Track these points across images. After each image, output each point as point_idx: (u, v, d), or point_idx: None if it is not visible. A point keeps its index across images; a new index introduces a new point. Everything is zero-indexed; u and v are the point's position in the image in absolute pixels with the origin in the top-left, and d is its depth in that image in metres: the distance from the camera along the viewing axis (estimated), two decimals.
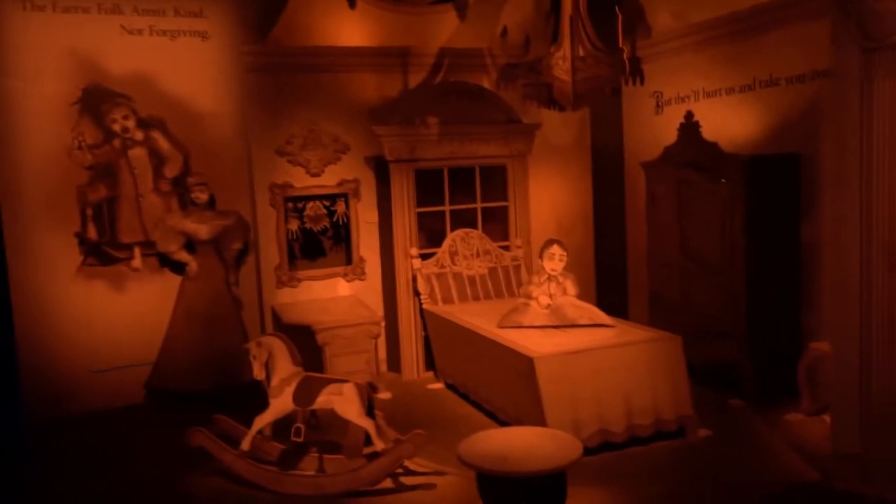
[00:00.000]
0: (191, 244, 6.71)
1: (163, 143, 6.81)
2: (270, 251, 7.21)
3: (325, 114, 7.29)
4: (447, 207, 7.39)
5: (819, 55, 5.82)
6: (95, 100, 6.54)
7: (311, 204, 7.32)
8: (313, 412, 4.77)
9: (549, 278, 5.84)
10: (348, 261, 7.50)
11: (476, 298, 7.09)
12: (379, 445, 4.63)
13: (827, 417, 5.18)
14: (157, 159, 6.79)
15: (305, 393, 4.69)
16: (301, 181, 7.26)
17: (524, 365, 5.00)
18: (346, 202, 7.44)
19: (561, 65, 5.75)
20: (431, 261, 7.10)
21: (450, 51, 7.58)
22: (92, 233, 6.60)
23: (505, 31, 6.22)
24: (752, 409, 5.81)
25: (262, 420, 4.75)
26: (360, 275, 7.50)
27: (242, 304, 6.97)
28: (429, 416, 6.04)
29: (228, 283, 6.88)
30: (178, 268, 6.76)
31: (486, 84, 7.67)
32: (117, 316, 6.64)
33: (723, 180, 6.17)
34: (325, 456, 4.90)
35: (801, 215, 6.15)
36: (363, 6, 7.09)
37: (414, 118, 7.10)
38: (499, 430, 4.57)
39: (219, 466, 4.90)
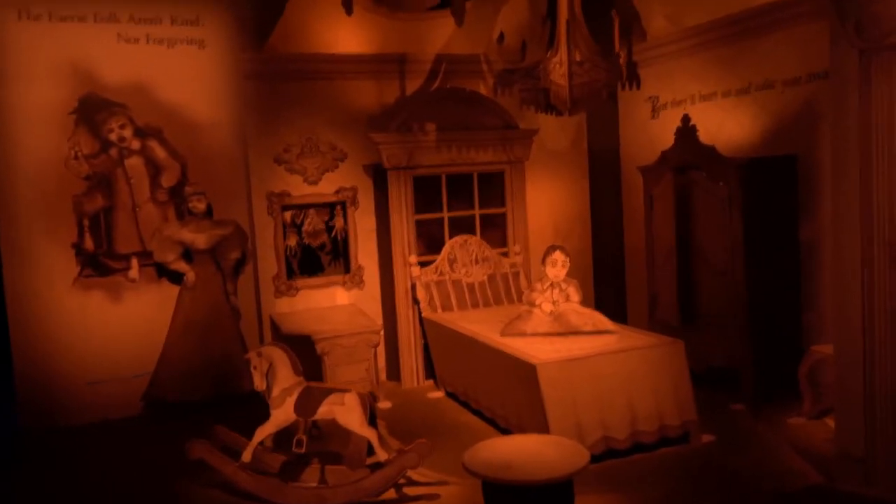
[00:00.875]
0: (188, 254, 6.67)
1: (159, 153, 6.78)
2: (268, 260, 7.19)
3: (322, 121, 7.28)
4: (445, 214, 7.38)
5: (814, 58, 5.87)
6: (92, 109, 6.51)
7: (309, 219, 7.30)
8: (315, 422, 4.73)
9: (552, 285, 5.80)
10: (347, 269, 7.47)
11: (475, 305, 7.07)
12: (382, 455, 4.59)
13: (829, 420, 5.17)
14: (154, 169, 6.76)
15: (307, 403, 4.65)
16: (299, 189, 7.24)
17: (526, 372, 4.98)
18: (345, 212, 7.41)
19: (558, 69, 5.75)
20: (430, 268, 7.08)
21: (447, 57, 7.58)
22: (89, 243, 6.55)
23: (501, 37, 6.18)
24: (755, 413, 5.80)
25: (264, 431, 4.71)
26: (359, 283, 7.48)
27: (240, 313, 6.94)
28: (430, 425, 6.01)
29: (226, 292, 6.84)
30: (176, 278, 6.72)
31: (482, 90, 7.67)
32: (114, 326, 6.59)
33: (720, 183, 6.18)
34: (327, 466, 4.85)
35: (800, 216, 6.17)
36: (360, 13, 7.07)
37: (411, 125, 7.08)
38: (503, 438, 4.54)
39: (219, 478, 4.85)
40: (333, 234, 7.41)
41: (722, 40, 6.72)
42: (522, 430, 5.16)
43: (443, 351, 6.74)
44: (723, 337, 6.23)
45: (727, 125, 6.68)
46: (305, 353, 6.31)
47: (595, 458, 4.73)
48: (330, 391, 4.73)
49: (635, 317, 7.73)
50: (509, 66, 7.12)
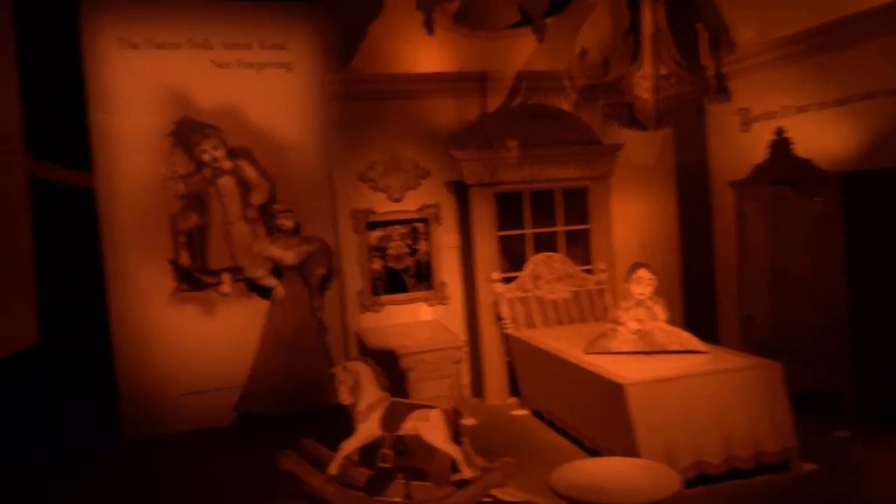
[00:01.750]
0: (277, 270, 6.85)
1: (250, 172, 7.00)
2: (353, 276, 7.31)
3: (405, 140, 7.38)
4: (528, 231, 7.33)
5: None
6: (187, 131, 6.79)
7: (393, 243, 7.38)
8: (400, 438, 4.74)
9: (638, 303, 5.67)
10: (430, 286, 7.51)
11: (559, 323, 6.98)
12: (466, 473, 4.56)
13: None
14: (245, 188, 6.98)
15: (392, 418, 4.67)
16: (382, 206, 7.35)
17: (614, 392, 4.86)
18: (427, 229, 7.47)
19: (642, 84, 5.66)
20: (514, 285, 7.04)
21: (527, 74, 7.57)
22: (184, 259, 6.81)
23: (584, 52, 6.15)
24: (860, 440, 5.48)
25: (349, 445, 4.75)
26: (442, 299, 7.51)
27: (327, 328, 7.06)
28: (514, 443, 5.95)
29: (313, 307, 6.98)
30: (266, 293, 6.90)
31: (564, 106, 7.61)
32: (208, 339, 6.81)
33: (818, 198, 5.92)
34: (413, 483, 4.85)
35: None
36: (441, 32, 7.16)
37: (493, 142, 7.09)
38: (591, 459, 4.44)
39: (307, 490, 4.91)
40: (417, 257, 7.47)
41: (815, 50, 6.47)
42: (609, 451, 5.04)
43: (527, 368, 6.67)
44: (823, 359, 5.94)
45: (823, 138, 6.40)
46: (390, 367, 6.34)
47: (688, 484, 4.57)
48: (415, 407, 4.73)
49: (727, 337, 7.47)
50: (591, 81, 7.07)
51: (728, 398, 4.91)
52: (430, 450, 4.75)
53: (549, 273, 7.12)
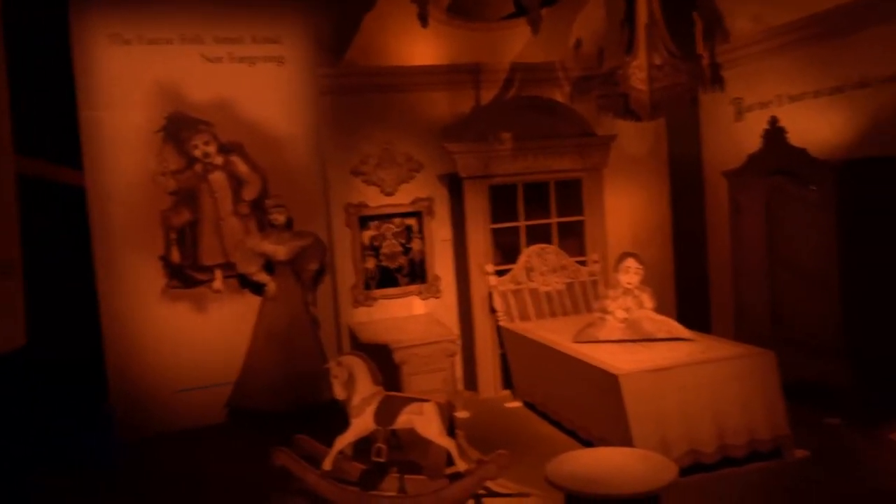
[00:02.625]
0: (269, 265, 6.80)
1: (241, 167, 6.94)
2: (346, 271, 7.27)
3: (398, 133, 7.34)
4: (522, 223, 7.30)
5: None
6: (178, 127, 6.72)
7: (387, 242, 7.33)
8: (394, 432, 4.72)
9: (625, 292, 5.73)
10: (423, 279, 7.48)
11: (553, 315, 6.96)
12: (461, 466, 4.54)
13: None
14: (237, 183, 6.92)
15: (386, 412, 4.65)
16: (375, 200, 7.31)
17: (608, 382, 4.84)
18: (421, 222, 7.43)
19: (637, 74, 5.64)
20: (507, 277, 7.01)
21: (522, 65, 7.54)
22: (175, 256, 6.75)
23: (578, 43, 6.13)
24: (852, 428, 5.47)
25: (344, 440, 4.73)
26: (436, 293, 7.48)
27: (320, 323, 7.02)
28: (508, 436, 5.93)
29: (306, 302, 6.94)
30: (258, 289, 6.85)
31: (559, 98, 7.58)
32: (200, 336, 6.75)
33: (813, 187, 5.90)
34: (407, 476, 4.83)
35: None
36: (435, 25, 7.08)
37: (487, 134, 7.05)
38: (587, 450, 4.42)
39: (302, 486, 4.89)
40: (411, 256, 7.44)
41: (811, 39, 6.44)
42: (605, 442, 5.03)
43: (520, 360, 6.66)
44: (816, 348, 5.93)
45: (818, 127, 6.38)
46: (383, 362, 6.32)
47: (682, 472, 4.55)
48: (409, 401, 4.71)
49: (720, 328, 7.45)
50: (586, 72, 7.04)
51: (721, 387, 4.91)
52: (425, 443, 4.72)
53: (542, 265, 7.10)
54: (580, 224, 7.47)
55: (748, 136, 7.00)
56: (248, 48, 6.95)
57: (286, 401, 6.58)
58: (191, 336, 6.75)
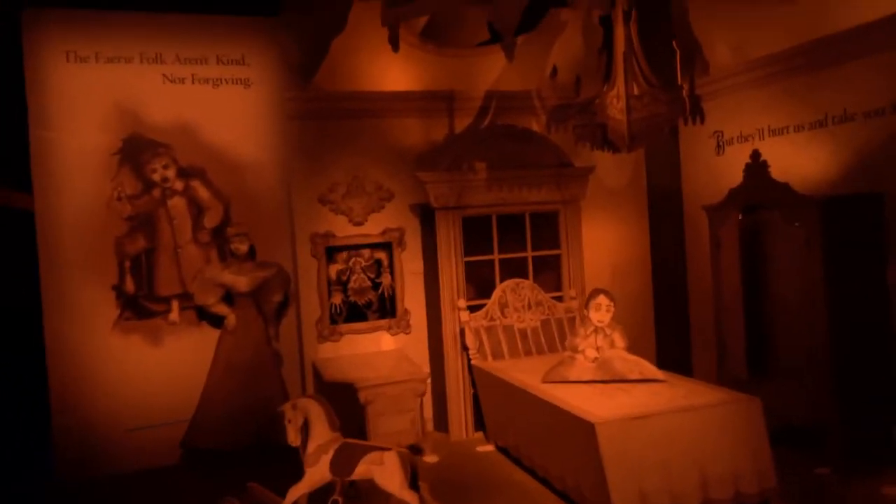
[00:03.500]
0: (229, 297, 6.47)
1: (203, 193, 6.64)
2: (311, 304, 6.91)
3: (368, 160, 7.05)
4: (496, 256, 7.01)
5: None
6: (136, 150, 6.44)
7: (355, 276, 7.01)
8: (352, 483, 4.38)
9: (596, 330, 5.55)
10: (392, 314, 7.14)
11: (528, 353, 6.65)
12: None
13: None
14: (197, 209, 6.62)
15: (343, 462, 4.31)
16: (343, 230, 6.99)
17: (584, 430, 4.52)
18: (391, 256, 7.11)
19: (615, 104, 5.42)
20: (480, 313, 6.70)
21: (497, 93, 7.31)
22: (129, 285, 6.41)
23: (555, 71, 5.91)
24: (843, 480, 5.19)
25: (297, 491, 4.37)
26: (405, 328, 7.15)
27: (282, 359, 6.68)
28: (479, 482, 5.61)
29: (268, 336, 6.62)
30: (217, 321, 6.51)
31: (535, 127, 7.35)
32: (154, 371, 6.39)
33: (797, 223, 5.68)
34: None
35: (887, 258, 5.60)
36: (407, 50, 6.87)
37: (461, 163, 6.79)
38: None
39: None
40: (380, 290, 7.11)
41: (792, 71, 6.28)
42: (580, 493, 4.71)
43: (493, 402, 6.32)
44: (802, 392, 5.67)
45: (801, 161, 6.19)
46: (348, 401, 6.03)
47: None
48: (369, 449, 4.38)
49: (702, 368, 7.20)
50: (563, 101, 6.82)
51: (705, 436, 4.61)
52: (385, 496, 4.38)
53: (517, 301, 6.80)
54: (557, 258, 7.20)
55: (729, 170, 6.82)
56: (212, 69, 6.70)
57: (244, 439, 6.23)
58: (144, 371, 6.39)
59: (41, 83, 6.21)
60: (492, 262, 7.01)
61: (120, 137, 6.38)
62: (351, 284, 7.04)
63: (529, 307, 6.83)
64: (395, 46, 6.25)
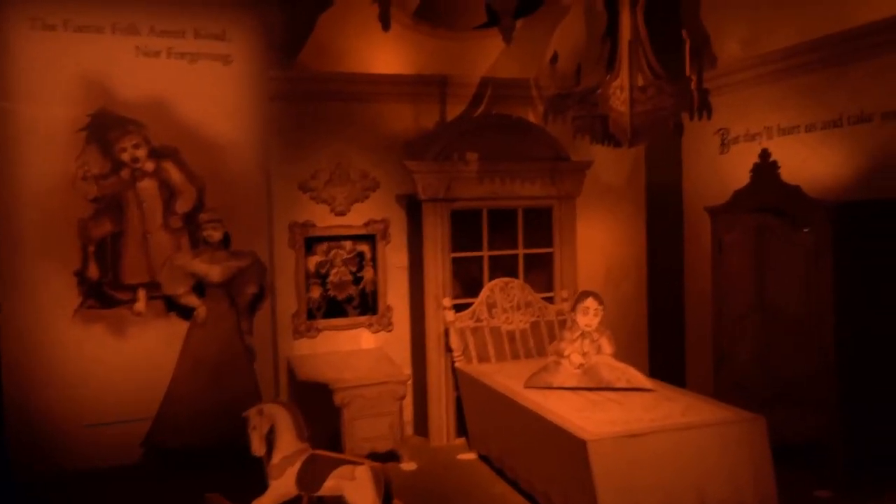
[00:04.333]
0: (200, 287, 6.08)
1: (175, 175, 6.22)
2: (288, 297, 6.52)
3: (354, 147, 6.65)
4: (485, 253, 6.64)
5: None
6: (104, 127, 5.98)
7: (335, 270, 6.63)
8: (320, 498, 4.01)
9: (583, 334, 5.30)
10: (374, 310, 6.76)
11: (516, 357, 6.29)
12: None
13: None
14: (169, 193, 6.20)
15: (311, 475, 3.95)
16: (324, 220, 6.59)
17: (574, 447, 4.18)
18: (374, 246, 6.72)
19: (618, 95, 5.06)
20: (466, 313, 6.33)
21: (492, 80, 6.93)
22: (93, 272, 5.99)
23: (555, 58, 5.51)
24: (845, 502, 4.87)
25: None
26: (387, 326, 6.76)
27: (255, 354, 6.30)
28: (459, 493, 5.32)
29: (241, 330, 6.23)
30: (186, 313, 6.12)
31: (531, 117, 6.98)
32: (116, 364, 5.97)
33: (806, 229, 5.34)
34: None
35: None
36: (399, 30, 6.47)
37: (451, 153, 6.41)
38: None
39: None
40: (362, 285, 6.72)
41: (806, 67, 5.93)
42: None
43: (477, 408, 5.96)
44: (805, 409, 5.35)
45: (811, 163, 5.85)
46: (323, 403, 5.68)
47: None
48: (339, 462, 4.02)
49: (696, 378, 6.88)
50: (562, 91, 6.43)
51: (704, 456, 4.30)
52: None
53: (506, 301, 6.43)
54: (549, 256, 6.84)
55: (733, 170, 6.50)
56: (190, 43, 6.26)
57: (211, 439, 5.84)
58: (106, 363, 5.98)
59: (2, 51, 5.75)
60: (481, 258, 6.64)
61: (87, 113, 5.92)
62: (331, 278, 6.66)
63: (519, 308, 6.47)
64: (386, 25, 5.82)
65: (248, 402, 5.69)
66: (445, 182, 6.36)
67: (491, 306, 6.40)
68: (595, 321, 5.31)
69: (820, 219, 5.19)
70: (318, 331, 6.59)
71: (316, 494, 3.96)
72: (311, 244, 6.59)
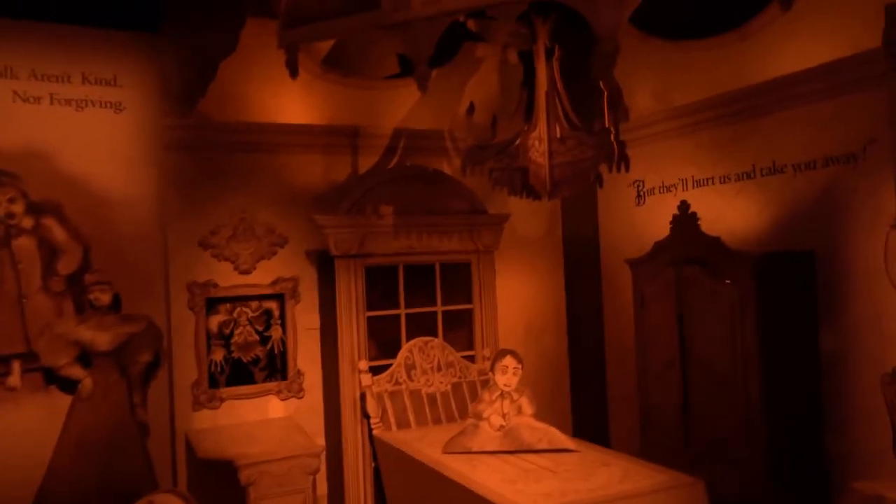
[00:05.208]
0: (86, 356, 5.46)
1: (57, 233, 5.63)
2: (187, 364, 5.94)
3: (259, 200, 6.22)
4: (402, 311, 6.28)
5: (830, 140, 5.17)
6: None
7: (239, 330, 6.13)
8: None
9: (502, 395, 5.05)
10: (283, 375, 6.26)
11: (437, 421, 5.92)
12: None
13: None
14: (50, 252, 5.59)
15: None
16: (227, 279, 6.09)
17: None
18: (283, 309, 6.27)
19: (537, 147, 4.91)
20: (384, 376, 5.93)
21: (406, 131, 6.69)
22: None
23: (472, 108, 5.35)
24: None
25: None
26: (298, 392, 6.26)
27: (149, 430, 5.69)
28: None
29: (132, 404, 5.62)
30: (69, 386, 5.47)
31: (446, 169, 6.76)
32: None
33: (727, 281, 5.29)
34: None
35: (820, 322, 5.27)
36: (308, 78, 6.18)
37: (364, 207, 6.09)
38: None
39: None
40: (269, 345, 6.23)
41: (719, 120, 5.97)
42: None
43: (397, 479, 5.53)
44: (734, 465, 5.20)
45: (727, 214, 5.85)
46: (227, 481, 5.14)
47: None
48: None
49: (619, 433, 6.72)
50: (478, 142, 6.25)
51: None
52: None
53: (425, 362, 6.08)
54: (469, 313, 6.56)
55: (650, 221, 6.48)
56: (76, 89, 5.77)
57: None
58: None
59: None
60: (398, 317, 6.28)
61: None
62: (235, 338, 6.14)
63: (439, 369, 6.12)
64: (294, 72, 5.48)
65: (140, 486, 5.15)
66: (359, 237, 6.02)
67: (410, 368, 6.03)
68: (514, 380, 5.06)
69: (743, 271, 5.14)
70: (222, 400, 6.02)
71: None
72: (213, 304, 6.06)
